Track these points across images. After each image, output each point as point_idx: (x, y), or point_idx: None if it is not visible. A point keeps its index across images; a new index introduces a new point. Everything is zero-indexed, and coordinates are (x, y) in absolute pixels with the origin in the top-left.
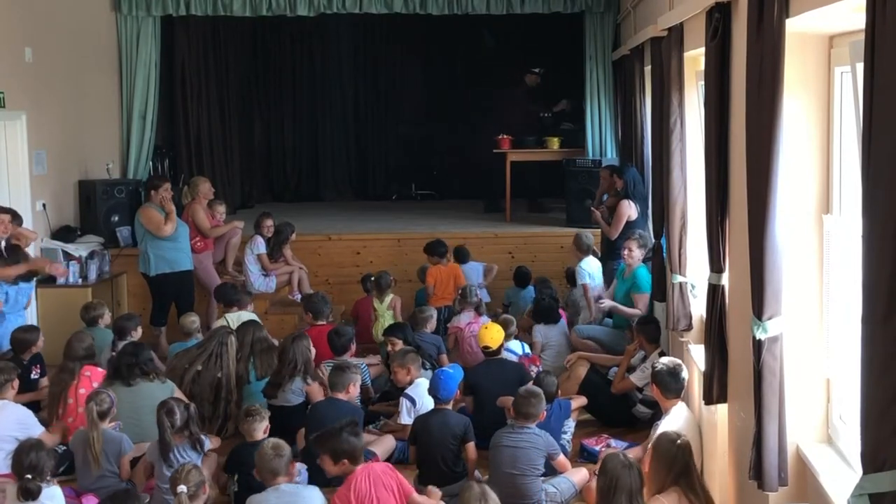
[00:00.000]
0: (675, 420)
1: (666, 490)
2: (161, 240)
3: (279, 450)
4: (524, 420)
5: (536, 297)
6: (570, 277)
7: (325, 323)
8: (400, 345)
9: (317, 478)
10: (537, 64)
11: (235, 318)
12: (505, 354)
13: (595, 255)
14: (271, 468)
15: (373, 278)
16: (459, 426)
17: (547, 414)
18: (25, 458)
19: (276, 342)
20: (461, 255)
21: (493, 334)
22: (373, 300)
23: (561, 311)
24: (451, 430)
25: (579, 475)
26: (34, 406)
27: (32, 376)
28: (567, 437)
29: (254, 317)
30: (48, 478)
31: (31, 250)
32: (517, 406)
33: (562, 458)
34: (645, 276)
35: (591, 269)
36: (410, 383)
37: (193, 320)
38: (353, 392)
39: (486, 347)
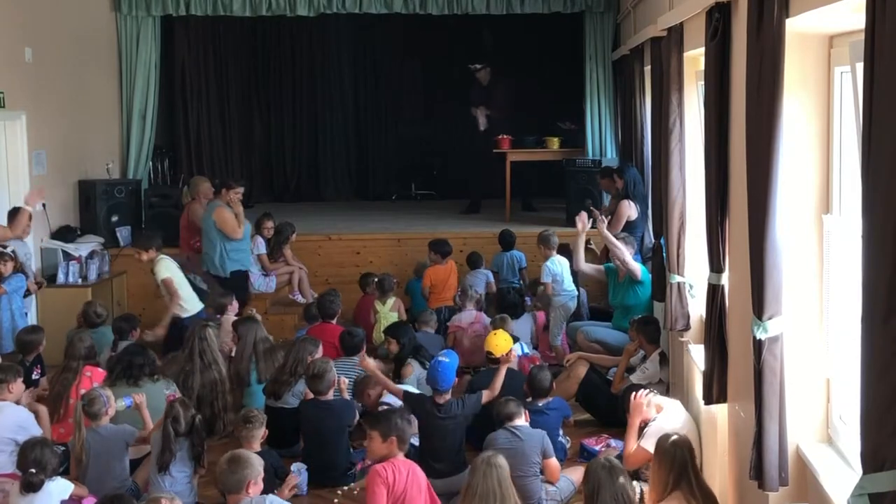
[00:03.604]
0: (670, 419)
1: (668, 495)
2: (234, 241)
3: (233, 464)
4: (509, 420)
5: (502, 291)
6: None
7: (332, 322)
8: (395, 344)
9: (317, 478)
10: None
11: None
12: None
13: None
14: (223, 480)
15: (376, 279)
16: (466, 413)
17: (546, 408)
18: (30, 453)
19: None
20: (473, 262)
21: (498, 342)
22: (374, 302)
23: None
24: (461, 420)
25: (577, 473)
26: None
27: (34, 377)
28: (560, 430)
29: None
30: (52, 474)
31: (31, 250)
32: (501, 411)
33: (554, 461)
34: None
35: (557, 268)
36: (376, 404)
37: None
38: (343, 385)
39: (489, 353)
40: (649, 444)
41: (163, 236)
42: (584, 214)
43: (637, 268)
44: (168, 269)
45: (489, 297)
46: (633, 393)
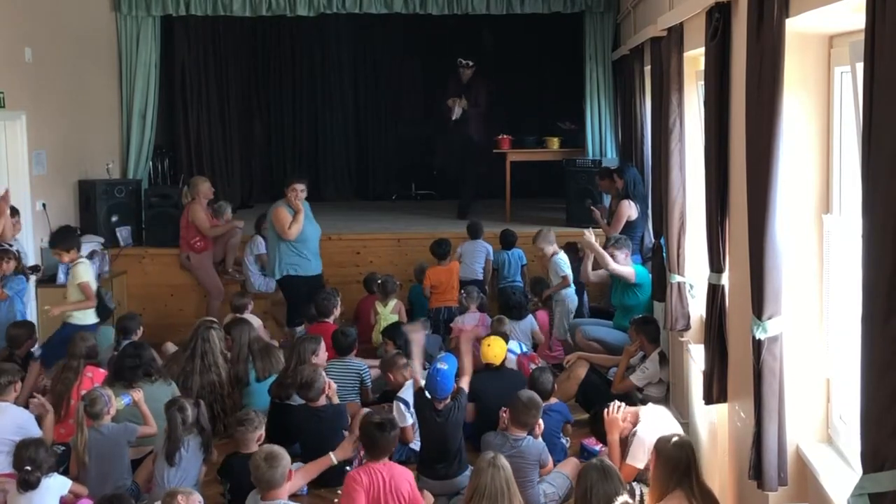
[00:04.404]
0: (652, 428)
1: (668, 495)
2: (288, 242)
3: (272, 460)
4: (520, 428)
5: (507, 291)
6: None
7: (330, 322)
8: (391, 345)
9: (316, 479)
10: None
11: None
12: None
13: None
14: (266, 479)
15: (379, 281)
16: (464, 416)
17: (548, 409)
18: (25, 453)
19: (275, 343)
20: (473, 230)
21: (495, 351)
22: (375, 303)
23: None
24: (459, 422)
25: (570, 466)
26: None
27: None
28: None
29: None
30: (48, 472)
31: (30, 249)
32: (515, 413)
33: (550, 465)
34: (641, 272)
35: (566, 260)
36: (401, 385)
37: (171, 346)
38: (332, 391)
39: (490, 365)
40: (635, 459)
41: (162, 236)
42: (589, 233)
43: (629, 272)
44: (88, 273)
45: (483, 287)
46: (606, 409)
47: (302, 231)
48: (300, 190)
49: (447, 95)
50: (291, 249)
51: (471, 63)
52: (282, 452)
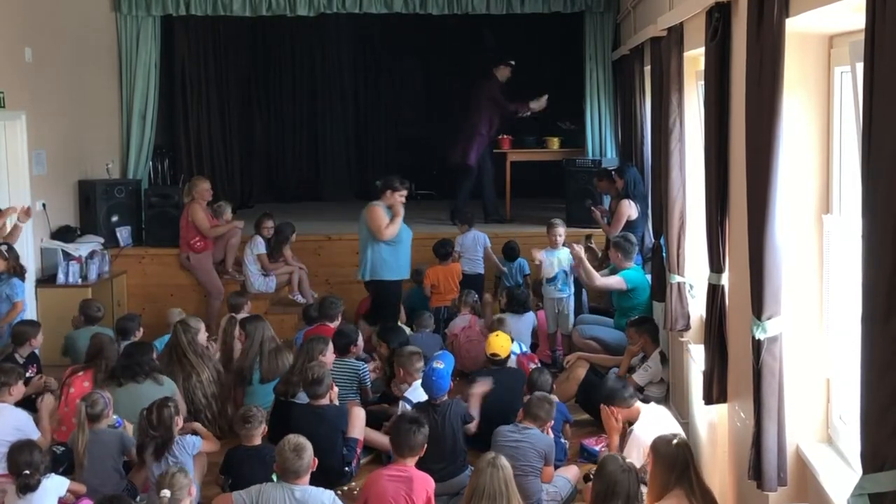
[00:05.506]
0: (650, 427)
1: (668, 494)
2: (382, 242)
3: (300, 451)
4: (531, 420)
5: (511, 287)
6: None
7: (331, 324)
8: (385, 347)
9: (315, 479)
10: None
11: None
12: None
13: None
14: (293, 469)
15: None
16: (460, 414)
17: None
18: (19, 457)
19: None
20: (469, 220)
21: (502, 342)
22: None
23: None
24: (456, 420)
25: (572, 472)
26: (32, 404)
27: (28, 374)
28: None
29: None
30: (45, 472)
31: (30, 248)
32: (529, 406)
33: (550, 469)
34: (631, 277)
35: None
36: (409, 385)
37: (178, 312)
38: (334, 393)
39: (495, 355)
40: (630, 458)
41: (162, 236)
42: (575, 247)
43: (617, 282)
44: None
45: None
46: (605, 410)
47: (398, 233)
48: (405, 195)
49: (510, 99)
50: (385, 251)
51: (513, 63)
52: (307, 443)
